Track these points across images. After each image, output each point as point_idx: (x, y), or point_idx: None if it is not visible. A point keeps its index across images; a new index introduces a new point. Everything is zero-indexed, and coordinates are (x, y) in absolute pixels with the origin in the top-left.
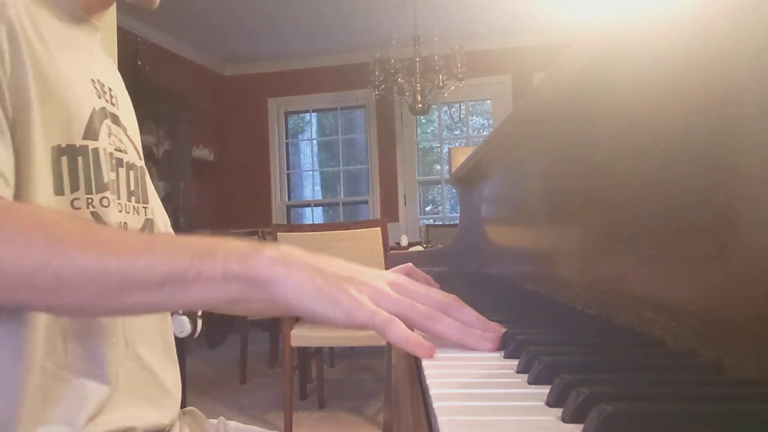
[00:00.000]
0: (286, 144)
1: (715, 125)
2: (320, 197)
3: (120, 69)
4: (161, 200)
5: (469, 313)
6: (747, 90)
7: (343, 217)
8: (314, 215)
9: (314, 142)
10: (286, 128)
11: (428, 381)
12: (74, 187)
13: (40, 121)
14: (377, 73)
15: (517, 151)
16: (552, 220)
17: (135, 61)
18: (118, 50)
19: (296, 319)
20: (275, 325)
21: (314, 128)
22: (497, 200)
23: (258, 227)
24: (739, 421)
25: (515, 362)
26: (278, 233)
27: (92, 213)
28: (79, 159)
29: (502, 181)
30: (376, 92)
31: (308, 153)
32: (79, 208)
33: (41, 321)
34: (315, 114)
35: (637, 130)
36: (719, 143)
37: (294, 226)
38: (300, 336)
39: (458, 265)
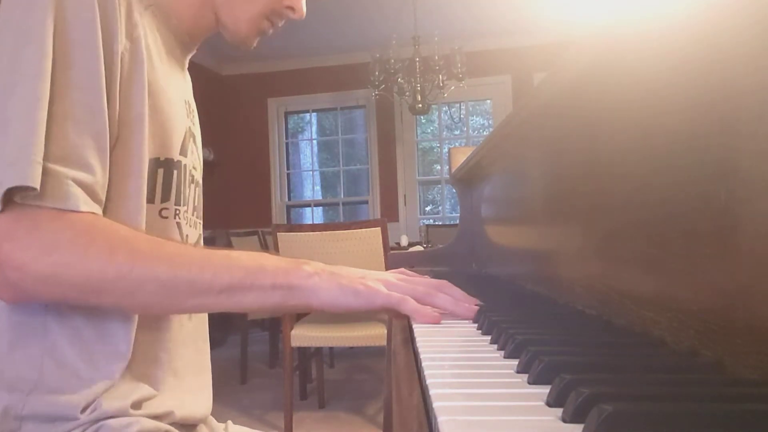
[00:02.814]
0: (286, 144)
1: (716, 126)
2: (320, 197)
3: None
4: None
5: (458, 292)
6: (748, 90)
7: (343, 217)
8: (314, 215)
9: (314, 142)
10: (286, 128)
11: (428, 381)
12: (165, 198)
13: (148, 134)
14: (377, 73)
15: (517, 151)
16: (552, 220)
17: None
18: None
19: (296, 320)
20: (275, 326)
21: (314, 128)
22: (497, 200)
23: (258, 227)
24: (740, 421)
25: (515, 362)
26: (278, 233)
27: (177, 223)
28: (175, 172)
29: (502, 181)
30: (376, 92)
31: (308, 153)
32: (166, 218)
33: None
34: (315, 114)
35: (638, 130)
36: (720, 144)
37: (294, 226)
38: (300, 336)
39: (458, 265)
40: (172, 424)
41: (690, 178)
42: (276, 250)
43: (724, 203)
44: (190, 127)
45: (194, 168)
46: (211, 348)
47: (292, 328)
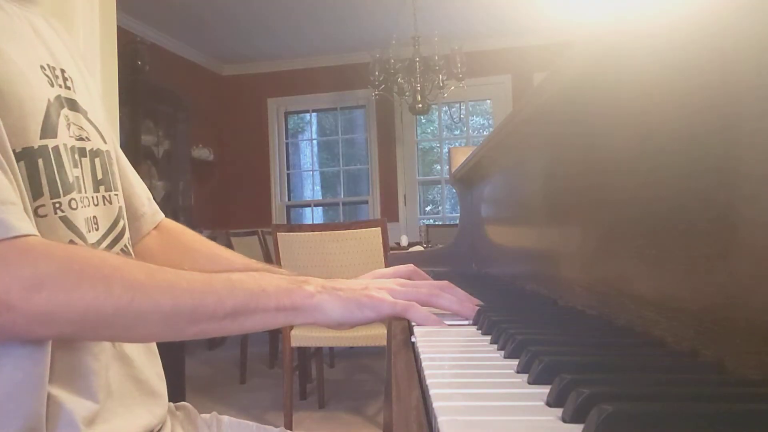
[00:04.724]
0: (286, 144)
1: (715, 125)
2: (320, 197)
3: (119, 69)
4: (161, 200)
5: (460, 292)
6: (747, 89)
7: (343, 217)
8: (314, 215)
9: (314, 142)
10: (286, 128)
11: (428, 381)
12: (37, 194)
13: None
14: (377, 73)
15: (517, 151)
16: (552, 220)
17: (135, 60)
18: (117, 50)
19: None
20: None
21: (314, 128)
22: (497, 200)
23: (258, 227)
24: (740, 421)
25: (515, 362)
26: (278, 233)
27: (61, 218)
28: (39, 162)
29: (502, 181)
30: (376, 92)
31: (308, 153)
32: (45, 215)
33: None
34: (315, 114)
35: (638, 130)
36: (720, 143)
37: (294, 226)
38: (300, 336)
39: (458, 265)
40: None
41: (690, 177)
42: (276, 250)
43: (724, 203)
44: (59, 96)
45: (82, 139)
46: (211, 348)
47: (292, 328)
